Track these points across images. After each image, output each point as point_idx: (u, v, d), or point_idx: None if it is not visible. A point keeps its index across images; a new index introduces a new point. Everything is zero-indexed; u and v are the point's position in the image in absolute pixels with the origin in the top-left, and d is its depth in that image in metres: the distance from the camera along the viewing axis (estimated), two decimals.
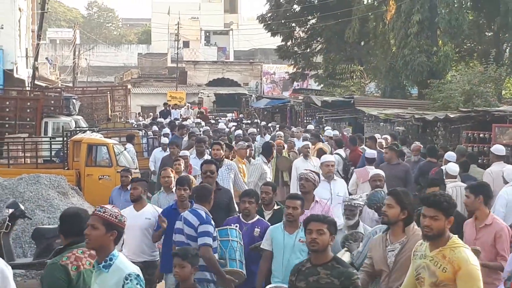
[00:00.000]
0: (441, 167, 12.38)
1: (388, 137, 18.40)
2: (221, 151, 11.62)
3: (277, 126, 27.33)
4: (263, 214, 8.84)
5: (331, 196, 10.18)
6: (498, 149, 12.09)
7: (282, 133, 20.01)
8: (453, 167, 11.26)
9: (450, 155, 12.85)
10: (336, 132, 20.56)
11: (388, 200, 6.36)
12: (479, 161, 14.51)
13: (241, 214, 8.57)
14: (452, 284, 5.25)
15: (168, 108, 39.68)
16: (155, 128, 24.85)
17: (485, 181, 8.92)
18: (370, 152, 13.36)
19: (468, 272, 5.22)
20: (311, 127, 23.93)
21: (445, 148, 15.21)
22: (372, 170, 10.79)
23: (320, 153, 14.81)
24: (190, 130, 20.79)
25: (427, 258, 5.43)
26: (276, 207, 8.97)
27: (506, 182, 10.13)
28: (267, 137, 20.36)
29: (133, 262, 5.44)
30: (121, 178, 11.73)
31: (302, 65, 44.49)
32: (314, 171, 9.33)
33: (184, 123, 26.04)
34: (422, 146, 15.88)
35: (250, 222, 8.34)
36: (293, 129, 22.93)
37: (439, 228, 5.32)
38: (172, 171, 10.72)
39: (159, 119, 31.15)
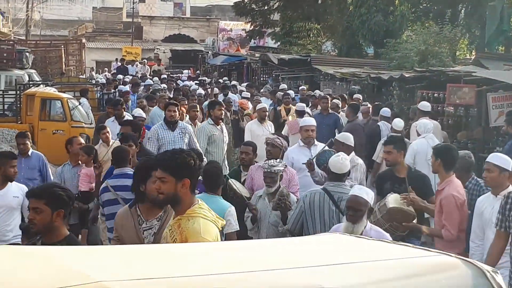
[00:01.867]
0: (378, 123, 13.04)
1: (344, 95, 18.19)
2: (177, 113, 11.26)
3: (244, 84, 26.69)
4: (241, 175, 8.74)
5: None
6: (424, 105, 13.20)
7: (249, 93, 19.90)
8: (398, 123, 12.08)
9: (385, 110, 13.90)
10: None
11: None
12: (437, 120, 14.83)
13: None
14: None
15: (124, 64, 39.19)
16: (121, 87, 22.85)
17: (450, 144, 8.98)
18: (300, 105, 14.42)
19: None
20: (284, 86, 22.89)
21: (378, 105, 15.29)
22: (302, 120, 10.93)
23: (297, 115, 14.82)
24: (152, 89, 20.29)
25: (168, 228, 4.74)
26: None
27: (419, 135, 11.11)
28: (233, 96, 19.70)
29: None
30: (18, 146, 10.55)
31: (259, 22, 44.26)
32: (281, 135, 9.23)
33: (148, 81, 24.24)
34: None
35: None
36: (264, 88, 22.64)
37: (169, 191, 4.53)
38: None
39: (118, 76, 30.70)
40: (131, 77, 29.44)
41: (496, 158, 6.75)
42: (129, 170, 7.62)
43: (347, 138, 9.09)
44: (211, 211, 4.74)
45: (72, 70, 34.46)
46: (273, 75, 30.52)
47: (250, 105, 17.43)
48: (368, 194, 6.09)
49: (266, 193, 7.81)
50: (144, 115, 13.15)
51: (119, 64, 40.80)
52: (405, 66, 23.74)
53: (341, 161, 7.20)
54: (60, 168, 10.06)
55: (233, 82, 27.14)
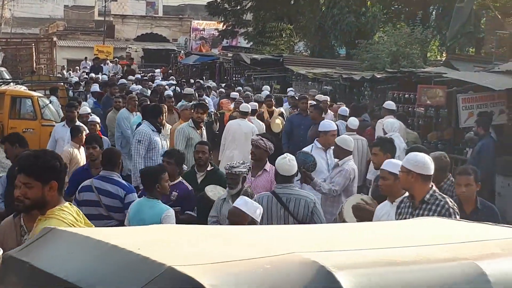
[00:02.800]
0: (336, 122, 13.21)
1: (322, 96, 17.49)
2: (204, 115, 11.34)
3: (223, 85, 26.25)
4: (196, 176, 8.65)
5: (328, 167, 9.64)
6: (389, 104, 13.94)
7: (237, 94, 19.14)
8: (353, 122, 12.34)
9: (343, 109, 14.30)
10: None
11: None
12: (408, 121, 15.08)
13: None
14: None
15: (98, 63, 38.85)
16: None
17: (389, 138, 8.92)
18: (244, 106, 13.97)
19: None
20: (266, 88, 22.36)
21: (356, 106, 15.51)
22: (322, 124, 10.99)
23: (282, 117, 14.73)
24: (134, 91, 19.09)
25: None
26: (209, 168, 8.78)
27: (385, 133, 11.29)
28: (212, 99, 19.00)
29: None
30: None
31: (232, 22, 44.23)
32: (266, 136, 9.02)
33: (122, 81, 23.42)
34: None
35: (169, 184, 7.90)
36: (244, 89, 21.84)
37: (36, 196, 4.32)
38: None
39: (91, 74, 30.41)
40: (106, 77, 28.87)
41: (390, 165, 6.59)
42: (116, 176, 7.54)
43: (345, 141, 8.99)
44: (78, 215, 4.53)
45: (43, 69, 34.19)
46: (246, 75, 30.51)
47: (231, 106, 17.14)
48: (248, 206, 6.06)
49: (229, 195, 7.67)
50: (97, 119, 12.62)
51: (89, 63, 40.47)
52: (377, 67, 23.87)
53: (288, 162, 7.20)
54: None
55: (210, 83, 26.57)
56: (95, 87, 20.35)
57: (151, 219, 6.52)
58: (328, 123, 10.19)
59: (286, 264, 2.85)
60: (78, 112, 12.76)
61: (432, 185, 6.06)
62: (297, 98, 17.55)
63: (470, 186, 6.91)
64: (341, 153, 8.88)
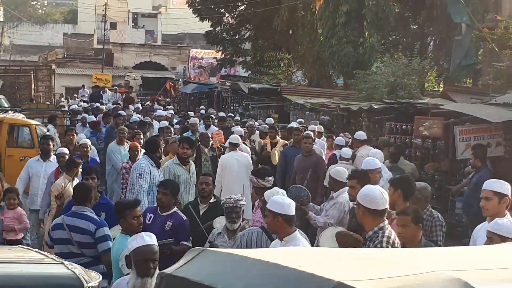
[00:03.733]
0: (334, 152, 13.70)
1: (316, 128, 16.92)
2: (190, 150, 10.68)
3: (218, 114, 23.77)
4: (199, 207, 8.57)
5: None
6: (360, 134, 14.18)
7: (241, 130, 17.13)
8: (346, 151, 12.72)
9: (339, 139, 14.50)
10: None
11: None
12: (405, 152, 15.12)
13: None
14: None
15: (98, 91, 38.79)
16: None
17: (407, 175, 8.88)
18: (234, 137, 13.48)
19: None
20: (270, 120, 20.57)
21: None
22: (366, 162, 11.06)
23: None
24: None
25: None
26: (212, 200, 8.68)
27: None
28: (213, 129, 17.45)
29: None
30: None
31: (230, 51, 44.44)
32: (260, 172, 8.76)
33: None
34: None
35: (164, 214, 7.91)
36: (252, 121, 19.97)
37: None
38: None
39: (96, 104, 30.18)
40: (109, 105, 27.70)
41: (363, 196, 6.06)
42: (88, 211, 7.41)
43: (338, 173, 8.95)
44: None
45: (42, 96, 34.22)
46: (243, 104, 30.61)
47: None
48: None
49: (228, 229, 7.54)
50: (88, 141, 12.57)
51: (87, 90, 40.47)
52: (374, 97, 23.92)
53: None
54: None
55: (212, 111, 24.85)
56: (91, 117, 19.93)
57: (115, 254, 6.56)
58: (372, 161, 9.49)
59: (433, 281, 3.12)
60: (75, 140, 12.94)
61: (382, 221, 5.87)
62: (286, 129, 17.33)
63: (407, 227, 6.42)
64: (336, 185, 8.86)
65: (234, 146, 12.83)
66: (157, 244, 5.44)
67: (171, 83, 44.93)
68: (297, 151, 13.11)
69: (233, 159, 12.45)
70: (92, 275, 3.83)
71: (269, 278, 3.22)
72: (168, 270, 3.76)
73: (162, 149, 10.87)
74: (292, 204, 6.13)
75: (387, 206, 5.98)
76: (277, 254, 3.97)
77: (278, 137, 16.06)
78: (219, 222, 7.97)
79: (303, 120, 20.37)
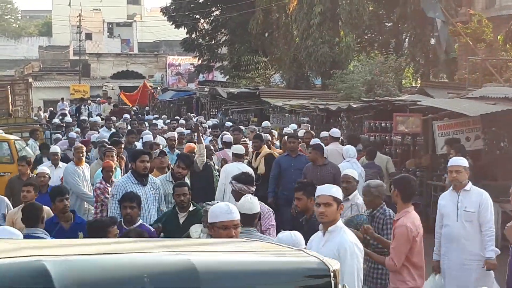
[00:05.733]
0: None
1: (303, 130, 16.41)
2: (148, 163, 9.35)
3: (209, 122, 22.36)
4: (178, 216, 8.42)
5: (457, 211, 8.30)
6: (334, 132, 14.48)
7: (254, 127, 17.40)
8: (351, 150, 12.60)
9: (315, 140, 13.37)
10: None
11: None
12: (386, 149, 15.25)
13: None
14: None
15: (80, 104, 38.41)
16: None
17: (408, 175, 8.65)
18: (227, 136, 13.99)
19: None
20: (267, 123, 19.44)
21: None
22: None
23: (270, 160, 13.01)
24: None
25: None
26: (191, 208, 8.50)
27: (344, 159, 12.24)
28: (207, 139, 16.03)
29: None
30: None
31: (207, 57, 44.41)
32: (242, 178, 8.04)
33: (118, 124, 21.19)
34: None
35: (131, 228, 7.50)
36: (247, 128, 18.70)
37: None
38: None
39: (83, 117, 29.72)
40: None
41: (324, 190, 6.15)
42: (41, 232, 7.03)
43: (352, 174, 9.08)
44: None
45: (20, 111, 33.98)
46: (223, 109, 30.60)
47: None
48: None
49: (208, 234, 7.32)
50: (47, 170, 11.42)
51: (66, 103, 40.16)
52: (353, 96, 24.03)
53: (249, 200, 6.43)
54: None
55: (200, 119, 23.41)
56: (72, 134, 18.14)
57: None
58: (457, 159, 8.59)
59: None
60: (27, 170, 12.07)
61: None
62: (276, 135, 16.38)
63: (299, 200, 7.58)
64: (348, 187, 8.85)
65: (238, 157, 12.02)
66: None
67: (151, 90, 44.47)
68: (293, 160, 12.32)
69: (236, 168, 11.78)
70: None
71: None
72: None
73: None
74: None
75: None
76: None
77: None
78: (195, 231, 7.75)
79: (296, 126, 18.80)
